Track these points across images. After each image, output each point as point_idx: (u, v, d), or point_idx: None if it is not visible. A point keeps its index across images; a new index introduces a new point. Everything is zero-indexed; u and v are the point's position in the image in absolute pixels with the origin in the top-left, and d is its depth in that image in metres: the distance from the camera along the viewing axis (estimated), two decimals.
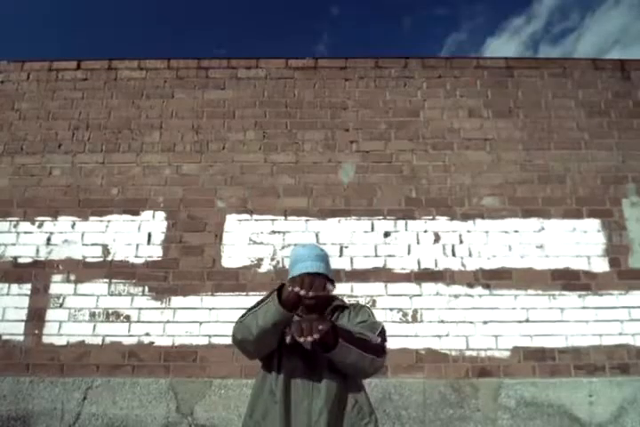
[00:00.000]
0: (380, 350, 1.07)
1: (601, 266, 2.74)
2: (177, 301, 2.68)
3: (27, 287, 2.71)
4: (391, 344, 2.56)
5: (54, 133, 3.00)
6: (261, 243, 2.79)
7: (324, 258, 1.30)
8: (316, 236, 2.79)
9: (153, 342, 2.62)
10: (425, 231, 2.81)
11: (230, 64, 3.12)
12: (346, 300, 1.54)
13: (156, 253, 2.77)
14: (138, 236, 2.80)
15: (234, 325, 1.16)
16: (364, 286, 2.69)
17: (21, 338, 2.63)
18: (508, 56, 3.19)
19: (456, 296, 2.69)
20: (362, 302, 2.65)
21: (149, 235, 2.80)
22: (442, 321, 2.65)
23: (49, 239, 2.80)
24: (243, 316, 1.15)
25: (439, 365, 2.58)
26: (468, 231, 2.81)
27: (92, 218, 2.84)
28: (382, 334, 1.14)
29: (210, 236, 2.79)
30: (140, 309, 2.68)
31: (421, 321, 2.64)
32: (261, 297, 1.17)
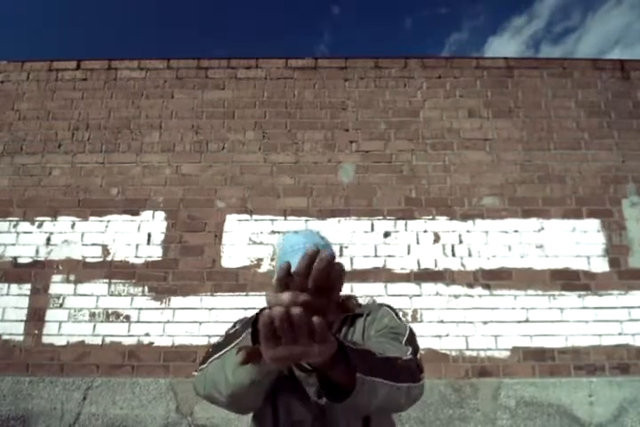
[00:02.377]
0: (414, 369, 0.73)
1: (601, 266, 2.74)
2: (177, 301, 2.68)
3: (26, 287, 2.71)
4: None
5: (54, 133, 3.00)
6: (261, 243, 2.79)
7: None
8: None
9: (153, 343, 2.62)
10: (425, 231, 2.80)
11: (230, 64, 3.12)
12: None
13: (155, 253, 2.77)
14: (138, 236, 2.80)
15: (195, 372, 0.83)
16: (364, 286, 2.69)
17: (21, 338, 2.63)
18: (508, 56, 3.19)
19: (456, 296, 2.69)
20: (361, 302, 2.65)
21: (149, 235, 2.80)
22: (441, 321, 2.65)
23: (49, 239, 2.80)
24: (207, 355, 0.80)
25: (439, 365, 2.58)
26: (468, 231, 2.81)
27: (91, 218, 2.84)
28: (411, 341, 0.81)
29: (210, 236, 2.79)
30: (140, 309, 2.68)
31: (421, 321, 2.64)
32: (237, 323, 0.89)
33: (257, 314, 0.67)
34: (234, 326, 0.90)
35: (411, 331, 0.84)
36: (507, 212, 2.84)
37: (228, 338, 0.77)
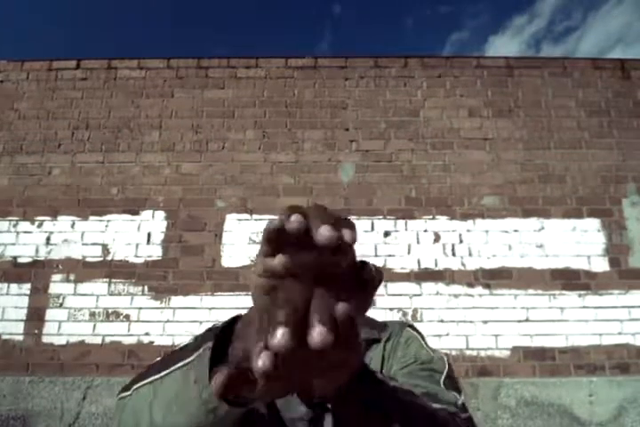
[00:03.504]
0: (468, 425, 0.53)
1: (601, 265, 2.74)
2: (177, 300, 2.68)
3: (26, 287, 2.71)
4: None
5: (54, 133, 3.00)
6: None
7: None
8: None
9: (153, 342, 2.62)
10: (425, 231, 2.80)
11: (230, 63, 3.12)
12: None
13: (155, 252, 2.77)
14: (137, 235, 2.79)
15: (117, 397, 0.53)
16: None
17: (21, 338, 2.63)
18: (509, 55, 3.18)
19: (456, 296, 2.69)
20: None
21: (149, 234, 2.80)
22: (442, 321, 2.65)
23: (48, 239, 2.80)
24: (137, 377, 0.51)
25: None
26: (468, 231, 2.81)
27: (91, 217, 2.83)
28: (454, 381, 0.60)
29: (210, 235, 2.79)
30: (140, 308, 2.67)
31: (421, 321, 2.64)
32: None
33: (231, 321, 0.40)
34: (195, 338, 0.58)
35: (450, 366, 0.62)
36: (507, 211, 2.84)
37: (172, 356, 0.46)
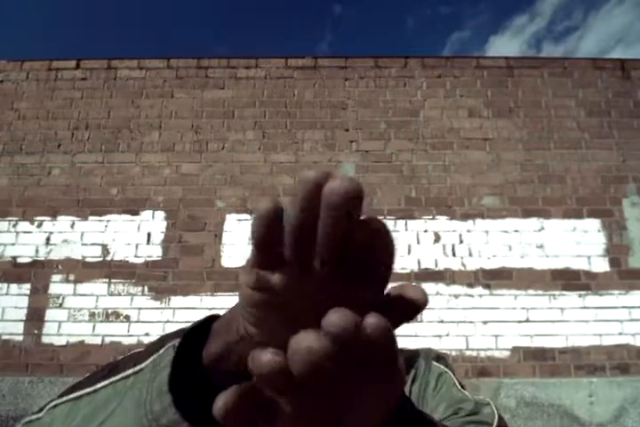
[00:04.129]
0: None
1: (601, 266, 2.74)
2: (176, 300, 2.68)
3: (26, 287, 2.71)
4: None
5: (53, 133, 3.00)
6: None
7: None
8: None
9: None
10: (425, 231, 2.80)
11: (230, 64, 3.12)
12: None
13: (155, 252, 2.76)
14: (137, 236, 2.79)
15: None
16: None
17: (21, 338, 2.63)
18: (509, 55, 3.18)
19: (456, 296, 2.69)
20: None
21: (149, 235, 2.80)
22: (442, 321, 2.65)
23: (48, 239, 2.80)
24: (57, 397, 0.32)
25: None
26: (468, 231, 2.80)
27: (91, 218, 2.83)
28: None
29: (209, 235, 2.79)
30: (140, 308, 2.67)
31: (421, 321, 2.64)
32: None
33: (205, 320, 0.30)
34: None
35: (500, 416, 0.49)
36: (507, 211, 2.84)
37: (120, 361, 0.33)
